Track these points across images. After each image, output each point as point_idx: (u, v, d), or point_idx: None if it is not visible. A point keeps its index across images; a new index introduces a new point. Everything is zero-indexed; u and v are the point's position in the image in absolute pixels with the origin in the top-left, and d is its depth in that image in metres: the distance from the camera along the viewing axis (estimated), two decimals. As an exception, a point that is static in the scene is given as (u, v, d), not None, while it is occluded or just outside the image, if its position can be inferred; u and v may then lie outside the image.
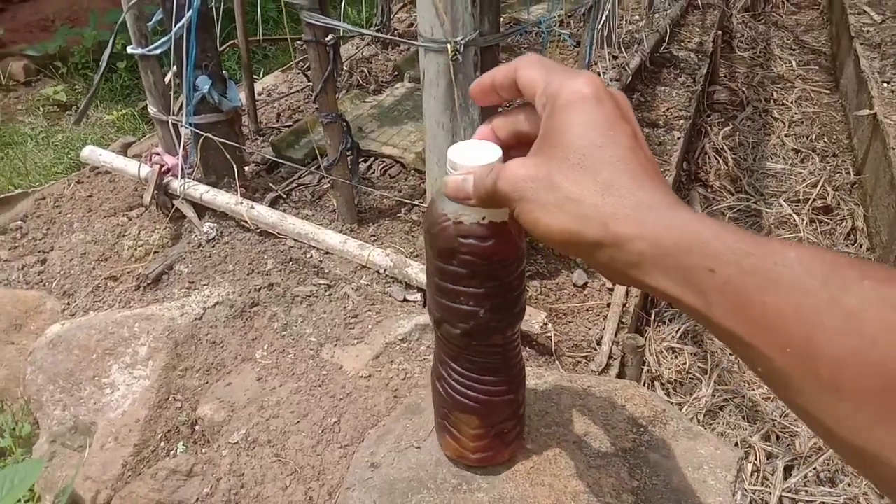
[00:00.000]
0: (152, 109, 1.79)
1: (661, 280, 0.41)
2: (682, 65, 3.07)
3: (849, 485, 1.51)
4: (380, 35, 1.73)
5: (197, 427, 1.35)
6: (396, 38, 2.16)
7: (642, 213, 0.42)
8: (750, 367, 0.39)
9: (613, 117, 0.46)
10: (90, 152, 2.00)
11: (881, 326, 0.31)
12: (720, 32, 3.55)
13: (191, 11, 1.57)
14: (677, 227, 0.40)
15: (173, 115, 1.77)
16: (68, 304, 1.71)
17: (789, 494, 1.49)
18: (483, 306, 0.69)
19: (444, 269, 0.67)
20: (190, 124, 1.73)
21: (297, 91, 2.67)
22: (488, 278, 0.67)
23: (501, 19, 3.29)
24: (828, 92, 3.55)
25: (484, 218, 0.62)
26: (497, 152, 0.56)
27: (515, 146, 0.57)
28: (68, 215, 1.99)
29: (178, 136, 1.78)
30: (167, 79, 1.79)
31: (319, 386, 1.30)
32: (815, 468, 1.54)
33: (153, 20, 1.71)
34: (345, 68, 2.75)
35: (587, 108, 0.46)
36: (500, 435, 0.85)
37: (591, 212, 0.43)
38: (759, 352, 0.36)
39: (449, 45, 1.27)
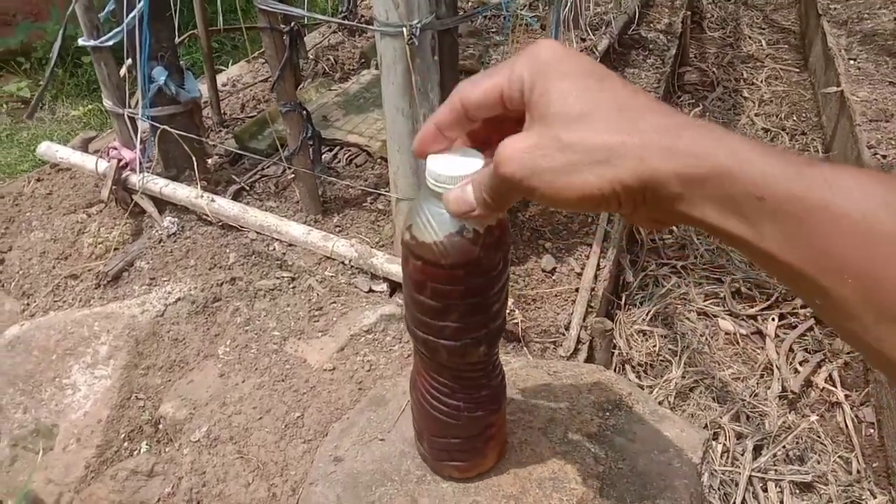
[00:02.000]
0: (107, 103, 1.74)
1: (707, 211, 0.37)
2: (651, 46, 3.05)
3: (817, 462, 1.52)
4: (339, 21, 1.70)
5: (160, 425, 1.33)
6: (355, 24, 2.12)
7: (674, 140, 0.37)
8: (805, 300, 0.37)
9: (592, 64, 0.42)
10: (46, 148, 1.95)
11: None
12: (689, 13, 3.54)
13: (142, 2, 1.53)
14: (718, 148, 0.36)
15: (130, 108, 1.73)
16: (27, 304, 1.67)
17: (759, 474, 1.50)
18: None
19: (436, 288, 0.60)
20: (147, 117, 1.69)
21: (262, 81, 2.63)
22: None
23: (470, 2, 3.27)
24: (797, 70, 3.57)
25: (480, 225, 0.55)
26: (479, 157, 0.50)
27: (481, 142, 0.51)
28: (27, 213, 1.95)
29: (136, 130, 1.73)
30: (122, 71, 1.74)
31: (283, 380, 1.28)
32: (784, 447, 1.54)
33: (105, 11, 1.67)
34: (310, 56, 2.71)
35: (564, 64, 0.42)
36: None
37: (623, 150, 0.38)
38: (817, 283, 0.34)
39: (405, 29, 1.24)
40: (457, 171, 0.50)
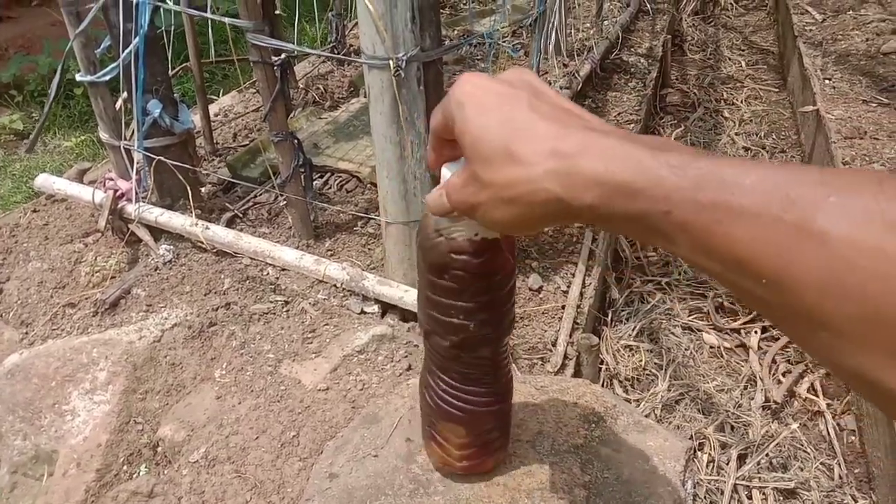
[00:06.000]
0: (104, 135, 1.79)
1: (620, 225, 0.39)
2: (633, 70, 3.13)
3: (800, 469, 1.56)
4: (326, 54, 1.76)
5: (159, 448, 1.36)
6: (342, 57, 2.18)
7: (574, 163, 0.39)
8: (737, 297, 0.38)
9: (501, 92, 0.45)
10: (44, 181, 1.99)
11: (855, 248, 0.29)
12: (670, 36, 3.63)
13: (137, 38, 1.59)
14: (618, 164, 0.37)
15: (125, 140, 1.78)
16: (26, 333, 1.70)
17: (743, 482, 1.53)
18: (473, 320, 0.68)
19: (435, 283, 0.67)
20: (142, 148, 1.74)
21: (254, 110, 2.69)
22: (479, 293, 0.67)
23: (455, 31, 3.35)
24: (776, 90, 3.65)
25: (476, 235, 0.62)
26: None
27: None
28: (24, 244, 1.98)
29: (132, 161, 1.78)
30: (118, 104, 1.79)
31: (278, 401, 1.31)
32: (767, 455, 1.58)
33: (101, 47, 1.72)
34: (301, 85, 2.77)
35: (474, 101, 0.46)
36: (485, 444, 0.86)
37: (528, 186, 0.41)
38: (736, 285, 0.34)
39: (391, 62, 1.30)
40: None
